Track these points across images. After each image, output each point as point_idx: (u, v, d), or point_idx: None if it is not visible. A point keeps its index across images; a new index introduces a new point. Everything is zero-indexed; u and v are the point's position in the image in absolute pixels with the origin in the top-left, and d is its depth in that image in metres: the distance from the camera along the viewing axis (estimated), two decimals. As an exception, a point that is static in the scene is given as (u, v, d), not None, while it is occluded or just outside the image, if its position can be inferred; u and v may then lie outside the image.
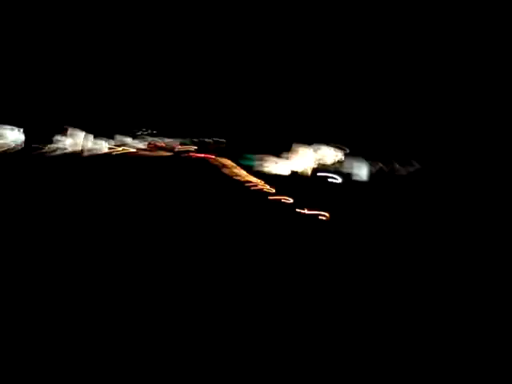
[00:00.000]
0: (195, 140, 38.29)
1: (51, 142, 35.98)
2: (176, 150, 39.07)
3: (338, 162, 28.73)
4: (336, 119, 27.09)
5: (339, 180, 28.27)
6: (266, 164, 36.79)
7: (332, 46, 20.86)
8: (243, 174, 33.42)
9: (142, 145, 39.31)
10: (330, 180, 27.52)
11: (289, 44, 21.75)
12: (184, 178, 26.52)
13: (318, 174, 29.03)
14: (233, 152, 38.89)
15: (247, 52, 24.31)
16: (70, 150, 38.25)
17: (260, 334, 5.75)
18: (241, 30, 21.56)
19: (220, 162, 37.00)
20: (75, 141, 36.94)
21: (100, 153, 38.87)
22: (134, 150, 37.43)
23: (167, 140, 40.06)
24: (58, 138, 35.62)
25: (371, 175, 25.85)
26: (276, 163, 36.14)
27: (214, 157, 37.74)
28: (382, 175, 24.41)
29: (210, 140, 40.41)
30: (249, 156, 37.80)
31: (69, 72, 23.20)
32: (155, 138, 40.41)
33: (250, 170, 34.69)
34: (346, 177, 27.48)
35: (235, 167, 34.88)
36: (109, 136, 37.28)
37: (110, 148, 38.71)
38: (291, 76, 26.97)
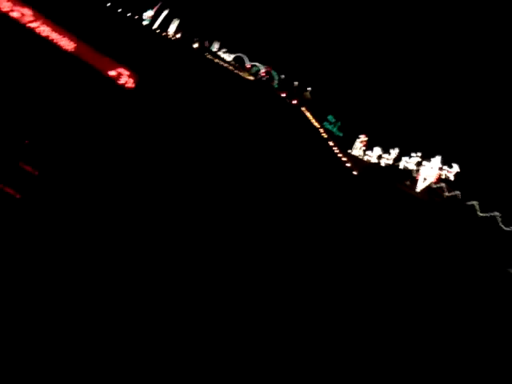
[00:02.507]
0: (282, 78, 38.91)
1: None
2: (261, 77, 39.29)
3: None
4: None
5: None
6: (358, 144, 36.76)
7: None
8: (318, 128, 34.25)
9: (229, 58, 39.40)
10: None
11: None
12: (252, 110, 27.25)
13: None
14: (319, 108, 39.68)
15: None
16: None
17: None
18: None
19: (301, 111, 37.42)
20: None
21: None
22: (218, 61, 37.41)
23: (258, 65, 40.44)
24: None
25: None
26: (366, 151, 36.20)
27: (296, 102, 38.23)
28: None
29: (305, 87, 41.17)
30: (334, 121, 38.34)
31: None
32: (246, 59, 40.63)
33: (329, 133, 35.34)
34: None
35: (314, 121, 35.65)
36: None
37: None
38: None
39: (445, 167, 28.39)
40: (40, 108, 6.63)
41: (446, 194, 27.60)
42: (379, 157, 33.23)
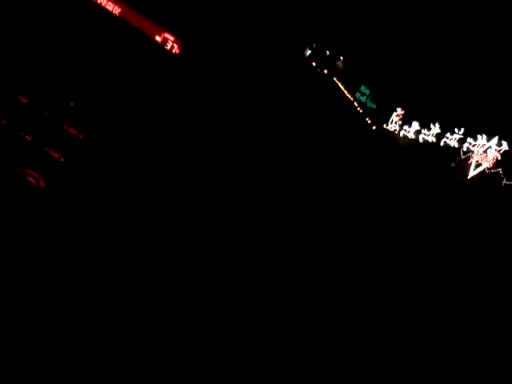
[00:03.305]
0: (313, 46, 38.05)
1: None
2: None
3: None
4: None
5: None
6: (394, 117, 34.80)
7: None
8: (352, 101, 33.77)
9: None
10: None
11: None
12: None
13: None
14: (352, 79, 38.81)
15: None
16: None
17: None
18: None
19: (333, 81, 36.94)
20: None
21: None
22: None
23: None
24: None
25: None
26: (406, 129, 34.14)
27: (328, 72, 37.73)
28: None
29: (337, 57, 40.34)
30: (367, 92, 37.64)
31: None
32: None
33: (362, 104, 34.61)
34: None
35: (347, 93, 35.01)
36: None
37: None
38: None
39: (496, 147, 24.23)
40: (86, 71, 6.64)
41: (505, 182, 22.55)
42: (417, 132, 31.17)
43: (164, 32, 6.79)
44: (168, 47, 6.93)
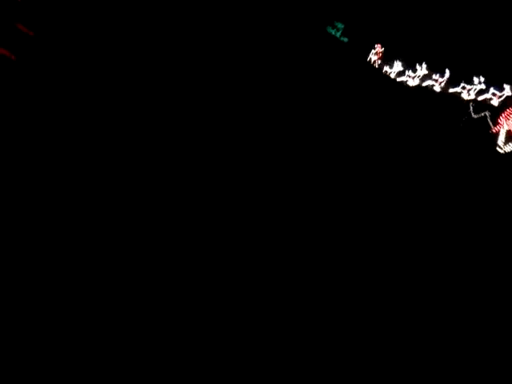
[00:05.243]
0: None
1: None
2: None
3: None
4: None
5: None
6: (372, 56, 33.30)
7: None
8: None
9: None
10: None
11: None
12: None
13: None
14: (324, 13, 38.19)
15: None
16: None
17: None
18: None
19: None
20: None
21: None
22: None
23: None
24: None
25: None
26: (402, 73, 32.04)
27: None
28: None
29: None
30: (338, 25, 37.00)
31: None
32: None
33: (332, 39, 33.81)
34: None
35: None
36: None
37: None
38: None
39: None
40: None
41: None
42: (400, 73, 28.66)
43: None
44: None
